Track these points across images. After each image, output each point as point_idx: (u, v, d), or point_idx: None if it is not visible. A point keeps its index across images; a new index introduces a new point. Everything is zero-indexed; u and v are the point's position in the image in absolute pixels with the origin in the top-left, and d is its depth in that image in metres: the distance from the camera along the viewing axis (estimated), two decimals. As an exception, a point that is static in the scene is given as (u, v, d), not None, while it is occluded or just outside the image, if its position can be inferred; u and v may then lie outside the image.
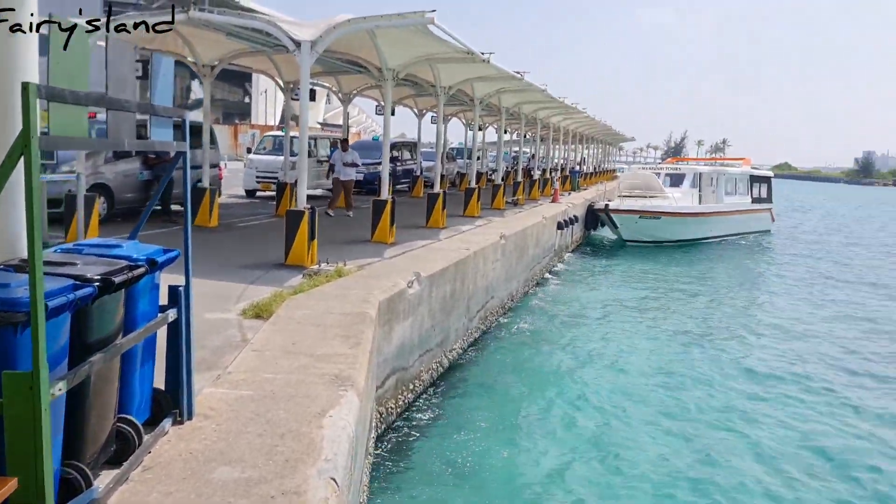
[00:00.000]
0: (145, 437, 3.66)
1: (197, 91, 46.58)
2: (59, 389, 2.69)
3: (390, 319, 8.05)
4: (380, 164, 13.76)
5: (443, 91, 14.96)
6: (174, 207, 14.02)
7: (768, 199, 34.42)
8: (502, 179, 21.98)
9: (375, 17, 10.02)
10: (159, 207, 13.64)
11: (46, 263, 2.92)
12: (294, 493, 3.34)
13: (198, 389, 4.41)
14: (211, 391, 4.65)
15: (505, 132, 28.03)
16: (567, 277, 19.81)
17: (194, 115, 14.40)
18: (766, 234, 33.70)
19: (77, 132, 3.21)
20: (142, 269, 3.43)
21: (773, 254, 27.87)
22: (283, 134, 18.74)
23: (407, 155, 26.58)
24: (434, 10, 9.41)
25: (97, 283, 2.99)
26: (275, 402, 4.50)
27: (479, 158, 25.54)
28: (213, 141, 15.89)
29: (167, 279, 4.03)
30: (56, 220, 10.90)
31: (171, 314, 3.97)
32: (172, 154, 4.19)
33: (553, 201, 24.53)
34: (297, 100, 11.81)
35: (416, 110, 25.70)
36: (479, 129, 28.73)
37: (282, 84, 16.77)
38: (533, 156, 37.36)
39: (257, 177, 20.32)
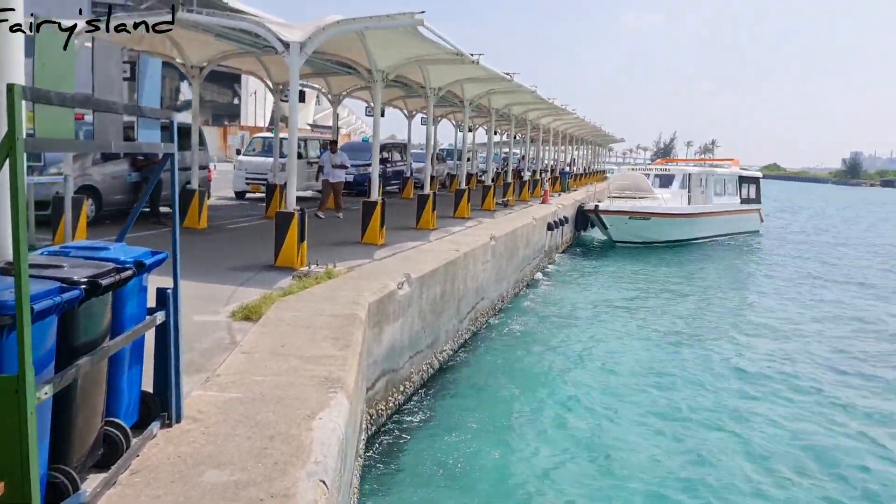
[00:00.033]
0: (133, 441, 3.64)
1: (186, 93, 46.44)
2: (46, 393, 2.67)
3: (380, 321, 8.04)
4: (369, 165, 13.75)
5: (432, 92, 14.97)
6: (163, 209, 13.94)
7: (757, 200, 34.64)
8: (492, 181, 22.01)
9: (365, 18, 10.01)
10: (148, 209, 13.57)
11: (33, 266, 2.90)
12: (283, 495, 3.33)
13: (186, 392, 4.39)
14: (200, 394, 4.63)
15: (495, 133, 28.11)
16: (557, 278, 19.86)
17: (183, 117, 14.35)
18: (755, 234, 33.91)
19: (63, 134, 3.19)
20: (129, 272, 3.41)
21: (761, 254, 28.04)
22: (272, 135, 18.69)
23: (397, 156, 26.59)
24: (423, 12, 9.41)
25: (84, 286, 2.97)
26: (264, 404, 4.49)
27: (469, 160, 25.56)
28: (202, 142, 15.83)
29: (155, 281, 4.02)
30: (43, 222, 10.83)
31: (160, 317, 3.95)
32: (161, 156, 4.17)
33: (543, 202, 24.60)
34: (287, 101, 11.76)
35: (405, 112, 25.73)
36: (469, 131, 28.81)
37: (271, 85, 16.71)
38: (523, 157, 37.44)
39: (247, 178, 20.23)
